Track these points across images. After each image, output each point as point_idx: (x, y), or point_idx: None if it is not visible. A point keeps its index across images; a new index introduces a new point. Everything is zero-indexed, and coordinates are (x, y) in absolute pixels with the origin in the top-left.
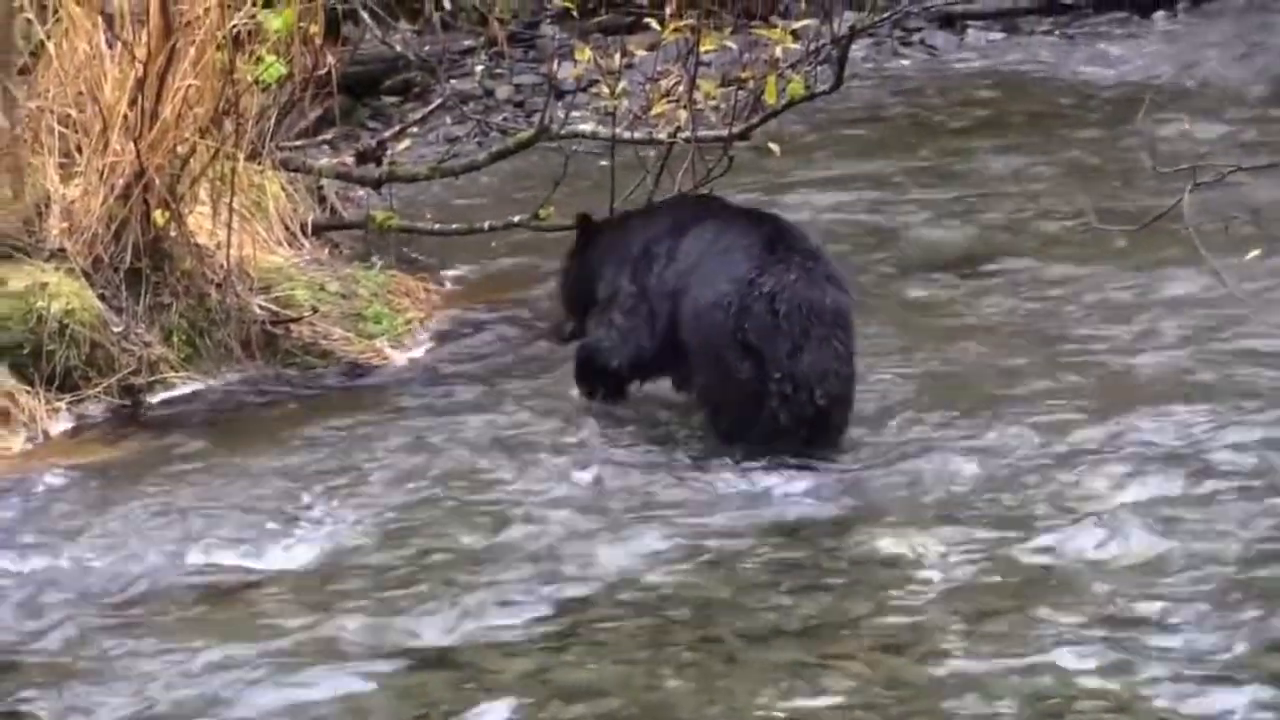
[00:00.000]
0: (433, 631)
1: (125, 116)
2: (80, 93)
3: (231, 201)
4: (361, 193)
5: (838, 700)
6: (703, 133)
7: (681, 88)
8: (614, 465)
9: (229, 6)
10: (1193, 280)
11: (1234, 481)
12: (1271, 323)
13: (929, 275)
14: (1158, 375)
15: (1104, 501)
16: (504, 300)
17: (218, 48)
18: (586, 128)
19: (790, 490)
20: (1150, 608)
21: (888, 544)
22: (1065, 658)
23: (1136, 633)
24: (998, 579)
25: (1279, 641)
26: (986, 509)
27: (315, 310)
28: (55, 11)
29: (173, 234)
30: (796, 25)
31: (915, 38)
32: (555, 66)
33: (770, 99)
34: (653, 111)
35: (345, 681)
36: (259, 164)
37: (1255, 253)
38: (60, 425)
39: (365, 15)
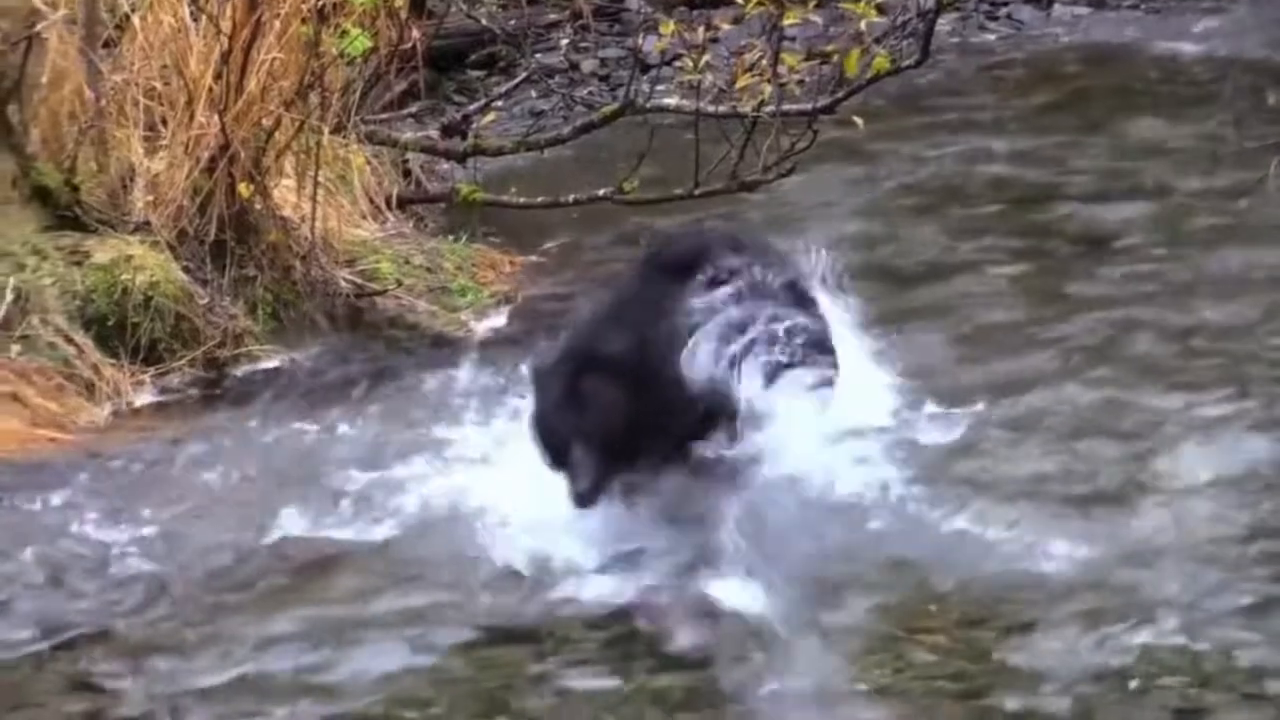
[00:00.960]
0: (516, 602)
1: (210, 89)
2: (165, 66)
3: (316, 175)
4: (446, 166)
5: (922, 672)
6: (787, 107)
7: (765, 61)
8: None
9: None
10: None
11: None
12: None
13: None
14: None
15: (1204, 480)
16: (588, 274)
17: (303, 21)
18: (670, 102)
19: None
20: (1244, 588)
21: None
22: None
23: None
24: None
25: None
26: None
27: (400, 283)
28: None
29: (257, 207)
30: None
31: (1001, 12)
32: (640, 40)
33: (851, 71)
34: (737, 85)
35: (428, 652)
36: (344, 137)
37: None
38: (144, 397)
39: None
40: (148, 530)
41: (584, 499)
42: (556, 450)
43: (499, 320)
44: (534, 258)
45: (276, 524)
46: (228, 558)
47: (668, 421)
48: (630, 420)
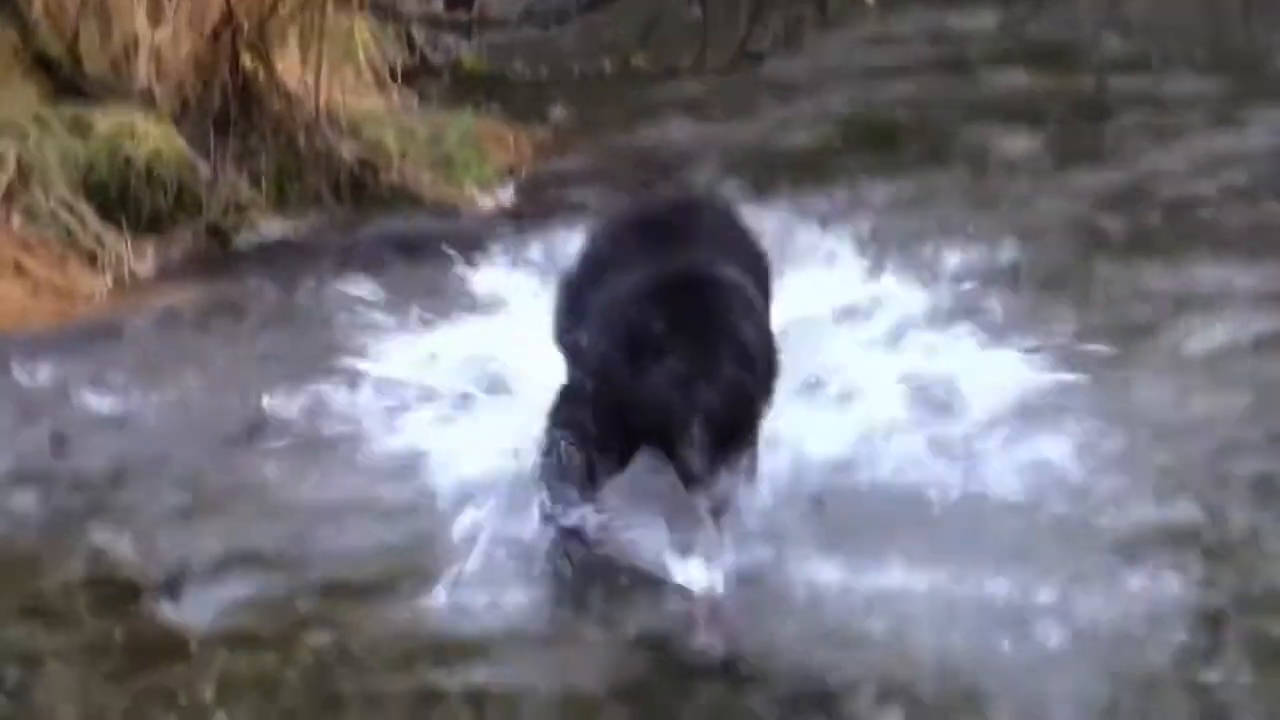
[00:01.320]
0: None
1: None
2: None
3: (320, 46)
4: (450, 40)
5: None
6: None
7: None
8: None
9: None
10: None
11: None
12: None
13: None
14: None
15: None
16: (593, 147)
17: None
18: None
19: None
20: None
21: None
22: None
23: None
24: None
25: None
26: None
27: (404, 156)
28: None
29: (261, 78)
30: None
31: None
32: None
33: None
34: None
35: (431, 523)
36: (348, 9)
37: None
38: (147, 267)
39: None
40: (150, 401)
41: (701, 481)
42: (663, 420)
43: (503, 194)
44: (539, 132)
45: (279, 397)
46: (230, 430)
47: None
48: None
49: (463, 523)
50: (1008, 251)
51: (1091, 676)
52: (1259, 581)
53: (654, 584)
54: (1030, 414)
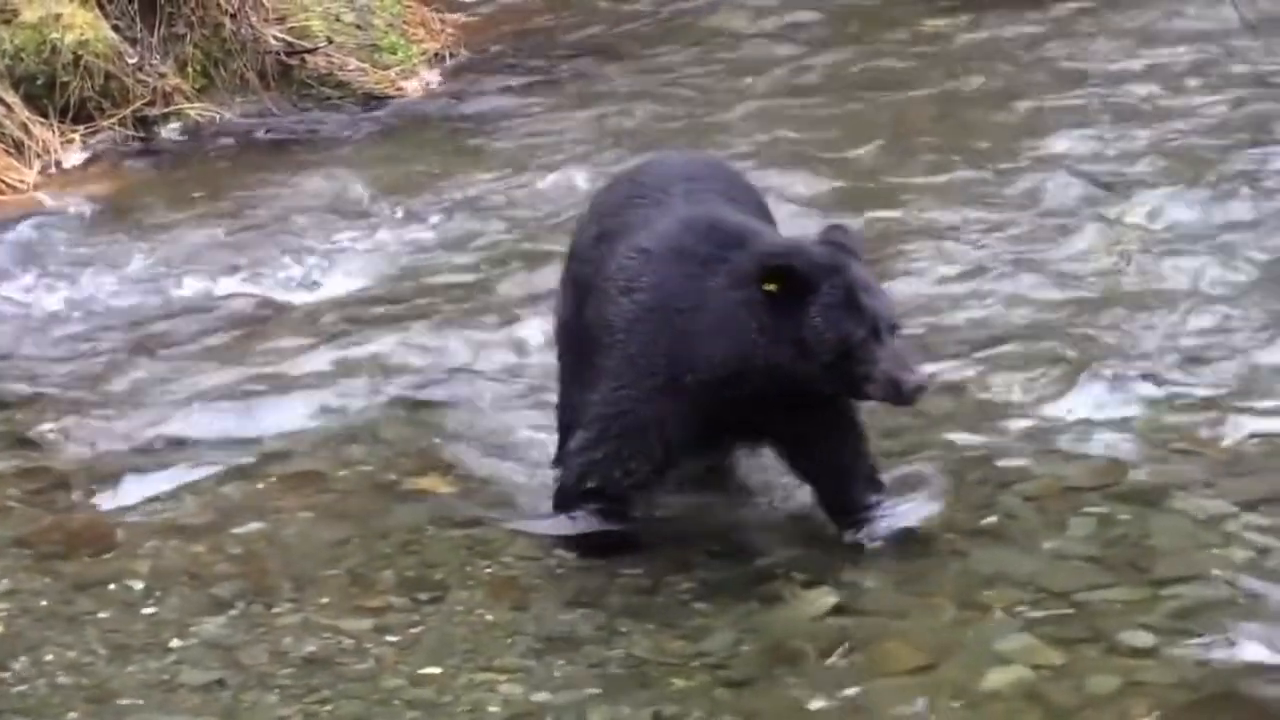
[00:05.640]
0: (447, 357)
1: None
2: None
3: None
4: None
5: None
6: None
7: None
8: None
9: None
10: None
11: None
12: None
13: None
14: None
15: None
16: (517, 31)
17: None
18: None
19: None
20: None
21: None
22: None
23: None
24: None
25: None
26: None
27: (330, 41)
28: None
29: None
30: None
31: None
32: None
33: None
34: None
35: (357, 404)
36: None
37: None
38: (74, 156)
39: None
40: (81, 291)
41: (924, 388)
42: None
43: (430, 78)
44: (464, 16)
45: (210, 284)
46: (161, 318)
47: None
48: None
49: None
50: None
51: None
52: None
53: None
54: None
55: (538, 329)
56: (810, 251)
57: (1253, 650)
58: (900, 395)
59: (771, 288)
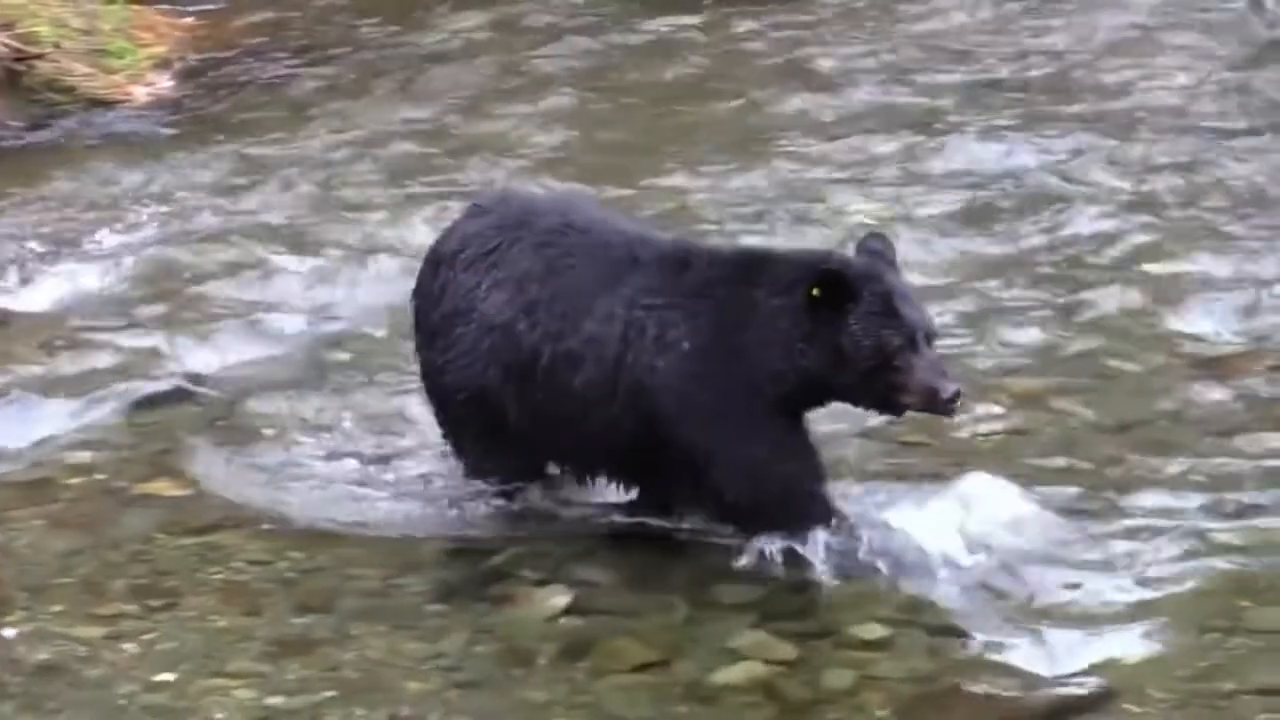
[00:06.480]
0: (177, 361)
1: None
2: None
3: None
4: None
5: None
6: None
7: None
8: None
9: None
10: None
11: None
12: None
13: None
14: None
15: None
16: (246, 35)
17: None
18: None
19: None
20: None
21: None
22: None
23: None
24: None
25: None
26: None
27: (58, 46)
28: None
29: None
30: None
31: None
32: None
33: None
34: None
35: (87, 410)
36: None
37: None
38: None
39: None
40: None
41: (960, 396)
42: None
43: (159, 82)
44: (192, 20)
45: None
46: None
47: None
48: None
49: None
50: None
51: None
52: None
53: None
54: None
55: (267, 333)
56: (846, 260)
57: (983, 642)
58: (936, 404)
59: (815, 293)
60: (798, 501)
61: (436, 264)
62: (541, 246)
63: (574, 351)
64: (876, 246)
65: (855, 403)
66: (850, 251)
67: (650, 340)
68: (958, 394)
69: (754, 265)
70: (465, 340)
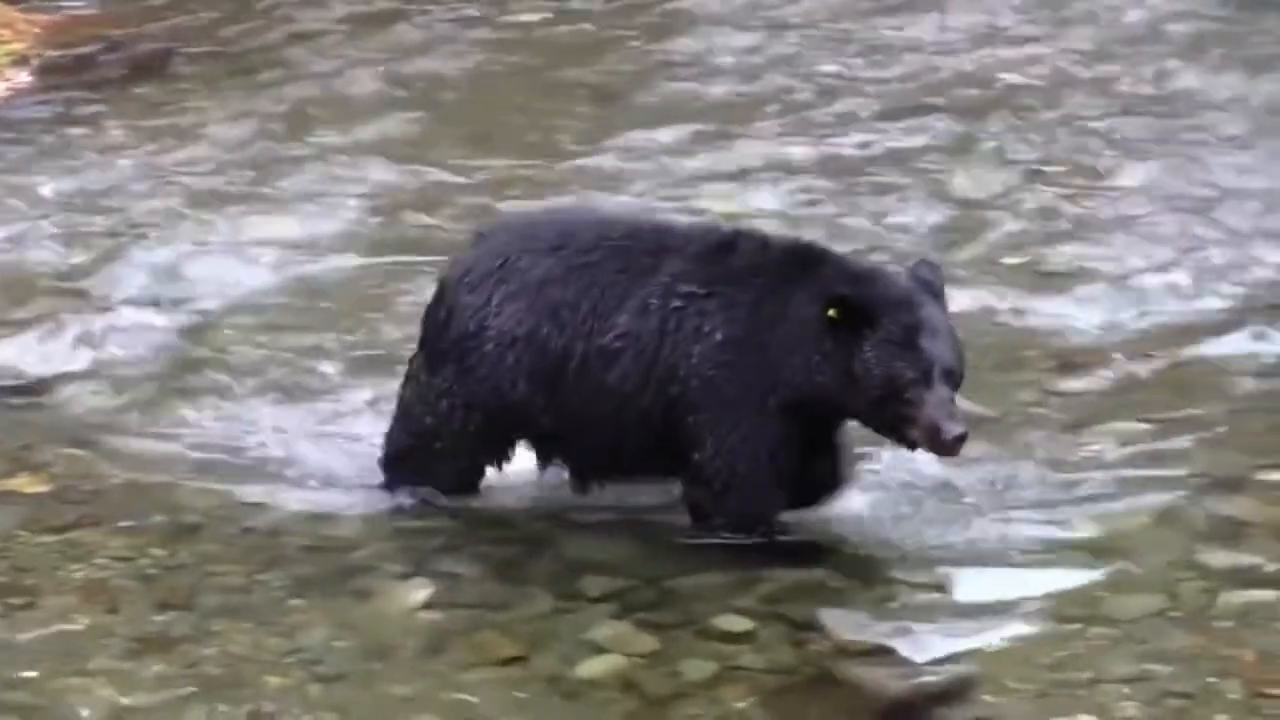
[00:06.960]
0: (39, 356)
1: None
2: None
3: None
4: None
5: None
6: None
7: None
8: None
9: None
10: None
11: None
12: None
13: None
14: None
15: None
16: (108, 32)
17: None
18: None
19: None
20: None
21: None
22: None
23: None
24: None
25: None
26: None
27: None
28: None
29: None
30: None
31: None
32: None
33: None
34: None
35: None
36: None
37: None
38: None
39: None
40: None
41: (965, 438)
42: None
43: (18, 78)
44: (53, 16)
45: None
46: None
47: None
48: None
49: None
50: None
51: None
52: None
53: None
54: None
55: (126, 328)
56: (881, 284)
57: (844, 633)
58: (938, 443)
59: (833, 315)
60: (752, 504)
61: (440, 292)
62: (554, 250)
63: (607, 348)
64: (925, 274)
65: (867, 426)
66: (899, 273)
67: (689, 330)
68: (963, 436)
69: (807, 262)
70: (485, 361)
